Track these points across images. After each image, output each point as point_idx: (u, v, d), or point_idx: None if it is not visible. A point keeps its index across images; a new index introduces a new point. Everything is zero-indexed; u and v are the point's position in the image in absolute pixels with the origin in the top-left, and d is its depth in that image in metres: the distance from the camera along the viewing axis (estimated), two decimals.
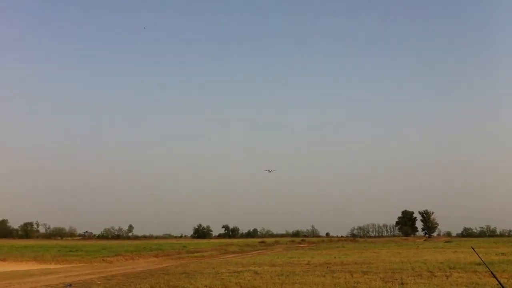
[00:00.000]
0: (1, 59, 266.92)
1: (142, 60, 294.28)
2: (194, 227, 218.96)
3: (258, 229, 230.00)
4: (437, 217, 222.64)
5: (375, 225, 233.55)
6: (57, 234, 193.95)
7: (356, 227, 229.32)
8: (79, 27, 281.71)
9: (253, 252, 75.91)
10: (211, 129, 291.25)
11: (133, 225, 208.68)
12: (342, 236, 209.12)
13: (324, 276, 27.33)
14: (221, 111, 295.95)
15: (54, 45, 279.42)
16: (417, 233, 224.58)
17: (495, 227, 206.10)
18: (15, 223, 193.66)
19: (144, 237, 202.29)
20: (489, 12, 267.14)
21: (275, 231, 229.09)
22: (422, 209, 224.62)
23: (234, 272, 31.19)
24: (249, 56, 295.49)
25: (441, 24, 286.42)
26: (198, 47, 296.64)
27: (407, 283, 22.74)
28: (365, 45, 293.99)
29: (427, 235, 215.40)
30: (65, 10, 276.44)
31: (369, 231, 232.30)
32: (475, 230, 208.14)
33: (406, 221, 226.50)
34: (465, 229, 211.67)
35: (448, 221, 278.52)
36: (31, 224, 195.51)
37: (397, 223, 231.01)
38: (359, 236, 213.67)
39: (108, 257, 55.40)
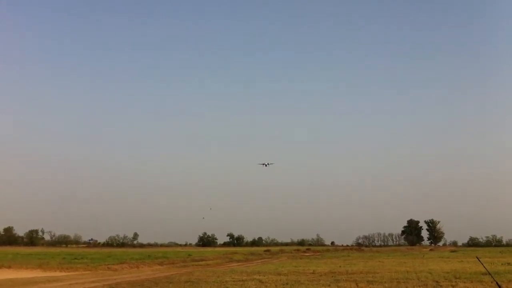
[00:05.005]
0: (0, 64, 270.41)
1: (147, 66, 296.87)
2: (199, 235, 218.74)
3: (263, 238, 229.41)
4: (443, 226, 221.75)
5: (381, 234, 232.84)
6: (62, 241, 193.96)
7: (361, 236, 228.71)
8: (77, 31, 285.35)
9: (258, 261, 75.65)
10: (215, 137, 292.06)
11: (138, 233, 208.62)
12: (347, 245, 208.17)
13: (329, 285, 27.27)
14: (226, 118, 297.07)
15: (53, 50, 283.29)
16: (422, 242, 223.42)
17: (502, 237, 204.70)
18: (20, 231, 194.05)
19: (149, 245, 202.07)
20: (492, 20, 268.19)
21: (280, 239, 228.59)
22: (428, 218, 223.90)
23: (239, 280, 31.15)
24: (251, 61, 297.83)
25: (444, 31, 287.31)
26: (199, 52, 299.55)
27: None
28: (369, 53, 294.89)
29: (432, 244, 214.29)
30: (65, 14, 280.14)
31: (374, 240, 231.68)
32: (481, 240, 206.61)
33: (411, 230, 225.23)
34: (471, 239, 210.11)
35: (454, 231, 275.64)
36: (36, 231, 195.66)
37: (403, 232, 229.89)
38: (364, 245, 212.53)
39: (113, 265, 55.39)
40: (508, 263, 47.56)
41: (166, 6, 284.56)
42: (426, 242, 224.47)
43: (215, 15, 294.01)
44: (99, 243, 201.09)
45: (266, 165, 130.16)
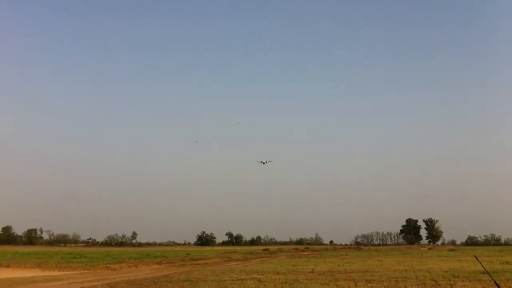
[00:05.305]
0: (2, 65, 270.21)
1: (147, 66, 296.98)
2: (198, 235, 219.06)
3: (262, 237, 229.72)
4: (441, 225, 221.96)
5: (379, 233, 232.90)
6: (61, 240, 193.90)
7: (360, 235, 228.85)
8: (77, 31, 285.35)
9: (257, 260, 75.70)
10: (215, 137, 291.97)
11: (136, 232, 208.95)
12: (346, 244, 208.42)
13: (328, 284, 27.29)
14: (226, 118, 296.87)
15: (53, 50, 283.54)
16: (421, 241, 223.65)
17: (500, 236, 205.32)
18: (19, 230, 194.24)
19: (148, 244, 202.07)
20: (492, 20, 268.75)
21: (278, 238, 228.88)
22: (427, 217, 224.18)
23: (238, 279, 31.17)
24: (251, 61, 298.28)
25: (444, 31, 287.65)
26: (199, 52, 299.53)
27: None
28: (369, 53, 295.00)
29: (431, 243, 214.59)
30: (65, 14, 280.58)
31: (373, 239, 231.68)
32: (479, 239, 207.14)
33: (410, 229, 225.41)
34: (470, 238, 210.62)
35: (453, 230, 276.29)
36: (35, 230, 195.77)
37: (401, 231, 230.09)
38: (363, 244, 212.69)
39: (112, 264, 55.40)
40: (507, 262, 47.67)
41: (166, 6, 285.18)
42: (424, 241, 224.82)
43: (215, 15, 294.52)
44: (98, 242, 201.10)
45: (264, 163, 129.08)
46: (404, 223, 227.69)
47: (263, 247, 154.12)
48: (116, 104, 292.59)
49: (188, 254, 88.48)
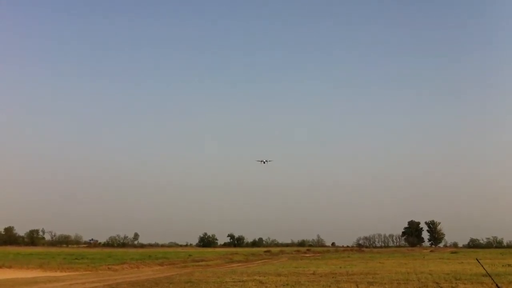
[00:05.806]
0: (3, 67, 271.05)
1: (147, 66, 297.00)
2: (200, 236, 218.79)
3: (264, 238, 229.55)
4: (443, 227, 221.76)
5: (381, 235, 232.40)
6: (63, 241, 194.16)
7: (362, 237, 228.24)
8: (77, 31, 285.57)
9: (258, 261, 75.64)
10: (215, 137, 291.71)
11: (138, 233, 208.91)
12: (347, 246, 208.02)
13: (329, 286, 27.29)
14: (226, 118, 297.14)
15: (53, 50, 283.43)
16: (423, 243, 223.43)
17: (502, 238, 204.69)
18: (21, 231, 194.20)
19: (150, 245, 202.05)
20: (492, 20, 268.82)
21: (280, 240, 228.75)
22: (429, 219, 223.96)
23: (239, 281, 31.17)
24: (251, 61, 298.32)
25: (444, 31, 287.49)
26: (199, 52, 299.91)
27: None
28: (369, 53, 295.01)
29: (433, 246, 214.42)
30: (65, 14, 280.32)
31: (375, 241, 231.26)
32: (482, 241, 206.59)
33: (412, 232, 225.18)
34: (472, 240, 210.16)
35: (455, 232, 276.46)
36: (37, 231, 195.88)
37: (403, 233, 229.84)
38: (365, 246, 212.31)
39: (114, 265, 55.44)
40: (509, 265, 47.57)
41: (166, 6, 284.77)
42: (426, 243, 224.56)
43: (215, 15, 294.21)
44: (100, 243, 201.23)
45: (264, 162, 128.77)
46: (406, 225, 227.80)
47: (265, 249, 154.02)
48: (116, 104, 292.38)
49: (190, 255, 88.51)
